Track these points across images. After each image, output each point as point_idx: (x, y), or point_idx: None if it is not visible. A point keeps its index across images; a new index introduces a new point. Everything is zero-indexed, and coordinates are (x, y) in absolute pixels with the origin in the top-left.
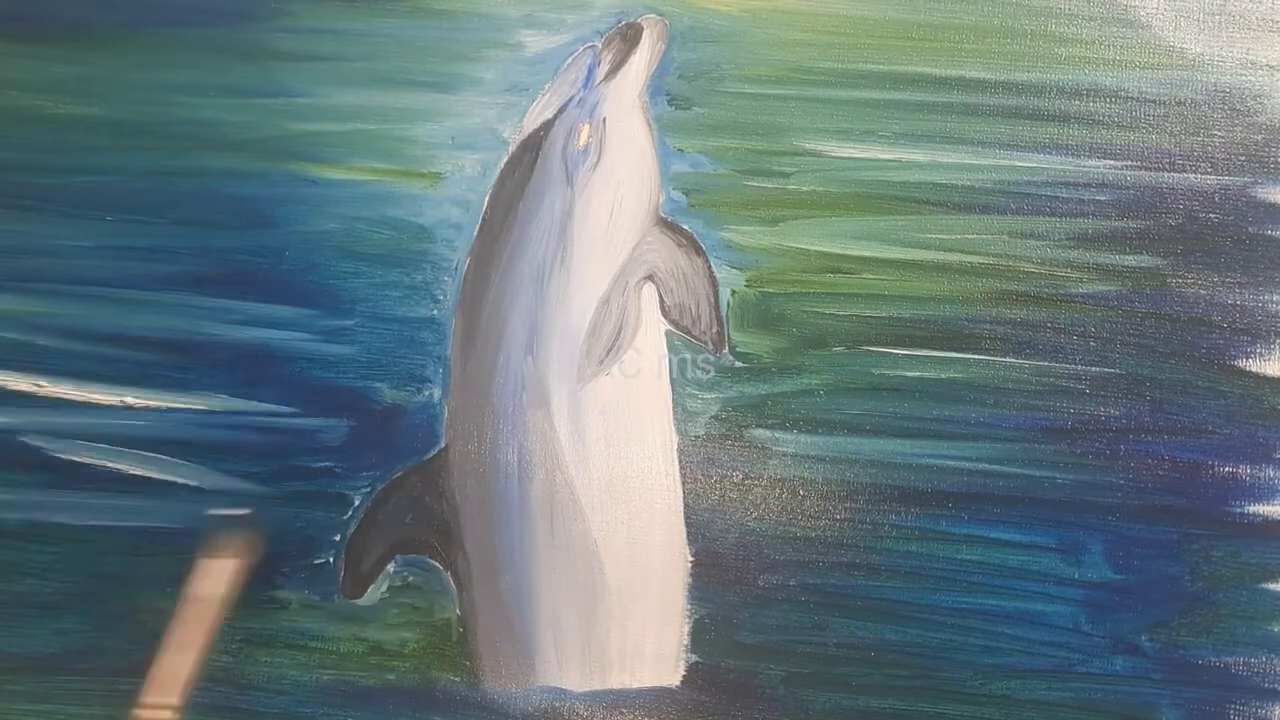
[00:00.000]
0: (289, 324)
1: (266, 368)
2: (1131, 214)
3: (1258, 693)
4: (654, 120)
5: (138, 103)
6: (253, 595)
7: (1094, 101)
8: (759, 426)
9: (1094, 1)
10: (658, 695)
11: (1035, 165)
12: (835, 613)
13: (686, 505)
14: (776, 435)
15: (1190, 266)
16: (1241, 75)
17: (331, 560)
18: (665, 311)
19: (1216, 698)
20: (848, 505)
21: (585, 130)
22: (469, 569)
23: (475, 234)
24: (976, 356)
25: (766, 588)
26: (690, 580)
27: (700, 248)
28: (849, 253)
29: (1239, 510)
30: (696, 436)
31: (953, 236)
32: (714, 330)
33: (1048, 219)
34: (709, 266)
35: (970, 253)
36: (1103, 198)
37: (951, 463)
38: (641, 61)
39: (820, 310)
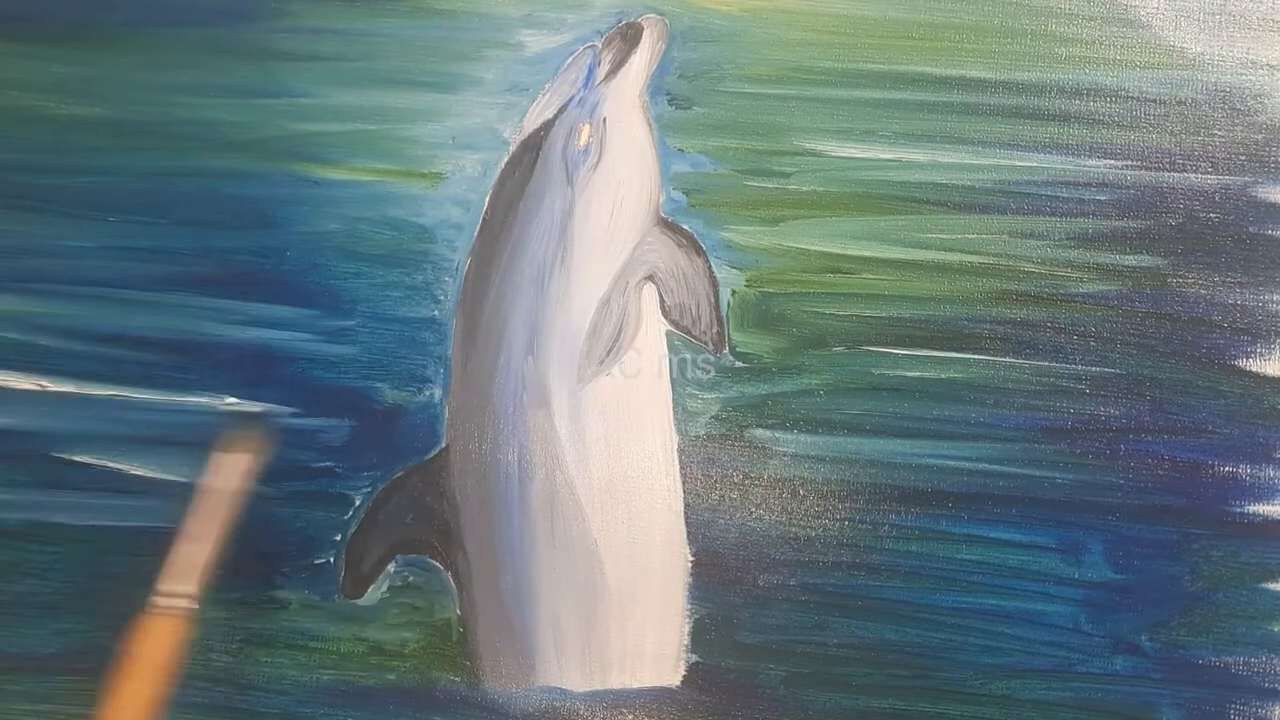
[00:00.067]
0: (290, 324)
1: (268, 368)
2: (1132, 214)
3: (1258, 692)
4: (654, 120)
5: (139, 103)
6: (253, 595)
7: (1094, 101)
8: (759, 426)
9: (1094, 1)
10: (658, 695)
11: (1035, 165)
12: (835, 613)
13: (687, 505)
14: (776, 435)
15: (1190, 266)
16: (1241, 75)
17: (332, 560)
18: (665, 311)
19: (1217, 697)
20: (848, 505)
21: (585, 130)
22: (469, 569)
23: (476, 234)
24: (977, 356)
25: (767, 587)
26: (690, 580)
27: (700, 248)
28: (849, 253)
29: (1239, 510)
30: (697, 436)
31: (953, 236)
32: (714, 330)
33: (1048, 219)
34: (709, 266)
35: (970, 252)
36: (1103, 197)
37: (951, 463)
38: (642, 61)
39: (820, 310)
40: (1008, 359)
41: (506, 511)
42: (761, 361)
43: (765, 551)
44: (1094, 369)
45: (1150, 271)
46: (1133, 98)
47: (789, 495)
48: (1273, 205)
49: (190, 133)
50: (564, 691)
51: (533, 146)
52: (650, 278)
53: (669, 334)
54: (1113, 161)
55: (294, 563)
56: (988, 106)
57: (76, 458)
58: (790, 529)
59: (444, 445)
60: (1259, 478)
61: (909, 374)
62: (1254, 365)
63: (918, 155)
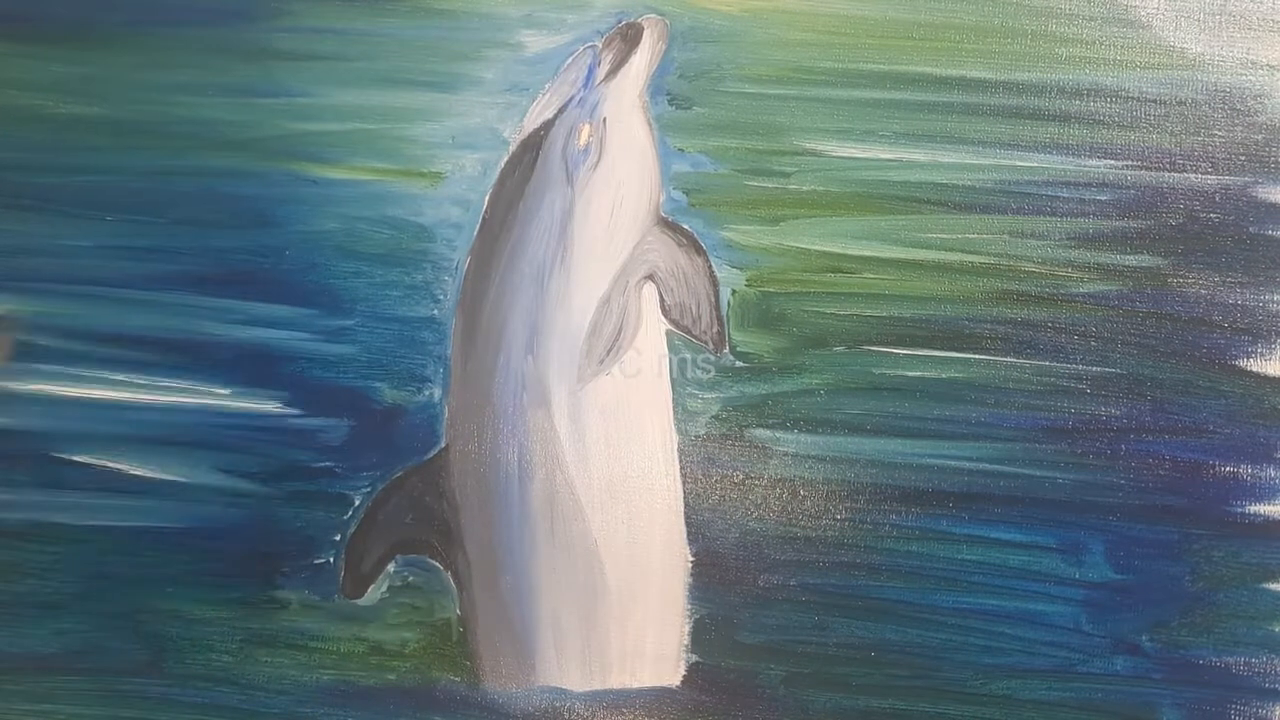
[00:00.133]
0: (289, 324)
1: (267, 368)
2: (1132, 214)
3: (1259, 693)
4: (654, 120)
5: (138, 102)
6: (253, 595)
7: (1095, 101)
8: (759, 426)
9: (1094, 1)
10: (658, 695)
11: (1036, 165)
12: (836, 613)
13: (687, 505)
14: (777, 435)
15: (1191, 266)
16: (1242, 75)
17: (332, 560)
18: (666, 311)
19: (1217, 698)
20: (848, 505)
21: (586, 130)
22: (469, 569)
23: (475, 234)
24: (977, 356)
25: (767, 588)
26: (690, 580)
27: (701, 247)
28: (849, 252)
29: (1240, 510)
30: (697, 436)
31: (953, 236)
32: (714, 330)
33: (1048, 219)
34: (709, 266)
35: (971, 252)
36: (1103, 197)
37: (952, 463)
38: (642, 61)
39: (820, 310)
40: (1008, 359)
41: (506, 511)
42: (762, 361)
43: (765, 551)
44: (1095, 369)
45: (1151, 271)
46: (1133, 98)
47: (789, 495)
48: (1273, 205)
49: (189, 132)
50: (564, 691)
51: (533, 146)
52: (650, 277)
53: (669, 333)
54: (1113, 162)
55: (294, 563)
56: (988, 107)
57: (76, 458)
58: (790, 529)
59: (443, 445)
60: (1260, 478)
61: (909, 374)
62: (1255, 365)
63: (918, 155)
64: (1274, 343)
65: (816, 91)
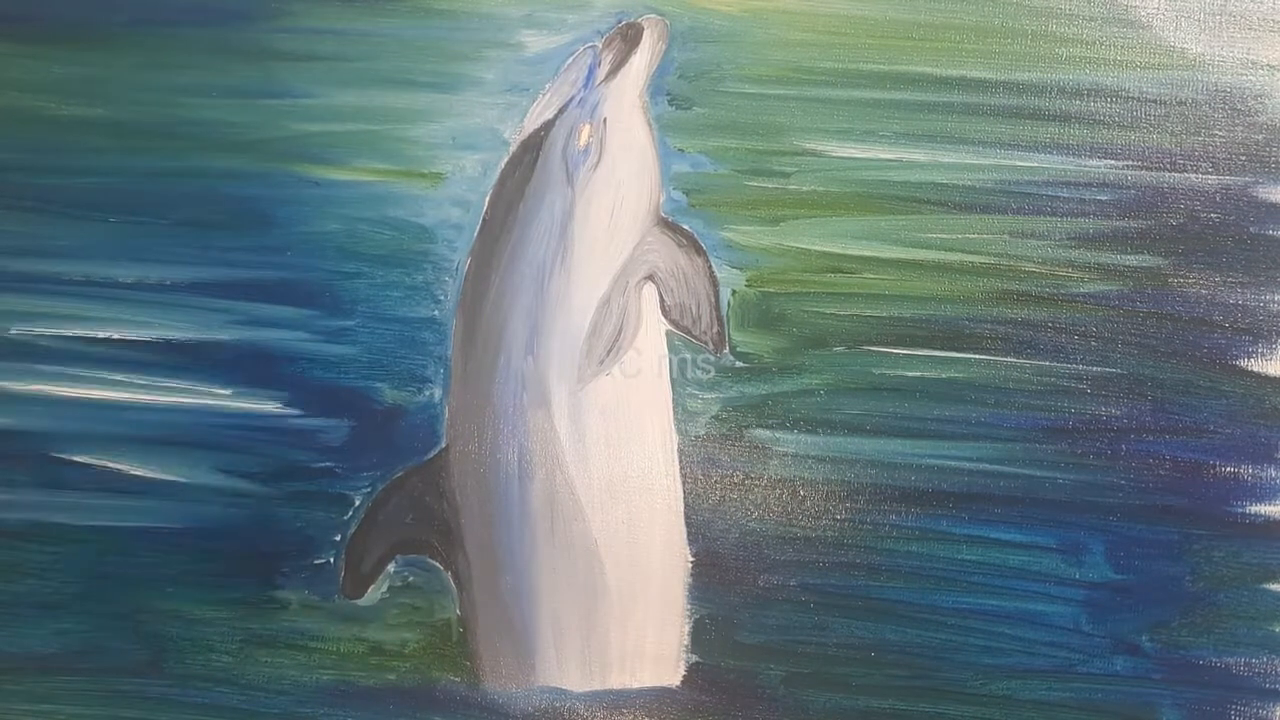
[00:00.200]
0: (290, 324)
1: (267, 368)
2: (1132, 214)
3: (1259, 693)
4: (654, 120)
5: (139, 103)
6: (253, 595)
7: (1095, 101)
8: (759, 426)
9: (1094, 1)
10: (658, 695)
11: (1036, 165)
12: (835, 613)
13: (687, 505)
14: (777, 435)
15: (1191, 266)
16: (1242, 75)
17: (332, 560)
18: (666, 311)
19: (1217, 698)
20: (848, 505)
21: (586, 130)
22: (469, 569)
23: (476, 234)
24: (977, 356)
25: (767, 588)
26: (690, 580)
27: (701, 247)
28: (849, 253)
29: (1240, 510)
30: (697, 436)
31: (953, 236)
32: (714, 330)
33: (1048, 219)
34: (709, 266)
35: (971, 252)
36: (1104, 197)
37: (952, 463)
38: (642, 61)
39: (820, 310)
40: (1008, 359)
41: (506, 511)
42: (762, 361)
43: (765, 552)
44: (1095, 369)
45: (1151, 271)
46: (1133, 98)
47: (789, 495)
48: (1273, 205)
49: (191, 133)
50: (564, 691)
51: (533, 146)
52: (650, 277)
53: (669, 334)
54: (1113, 162)
55: (294, 563)
56: (988, 107)
57: (76, 458)
58: (790, 529)
59: (444, 445)
60: (1260, 478)
61: (909, 374)
62: (1255, 365)
63: (918, 155)
64: (1274, 343)
65: (816, 91)
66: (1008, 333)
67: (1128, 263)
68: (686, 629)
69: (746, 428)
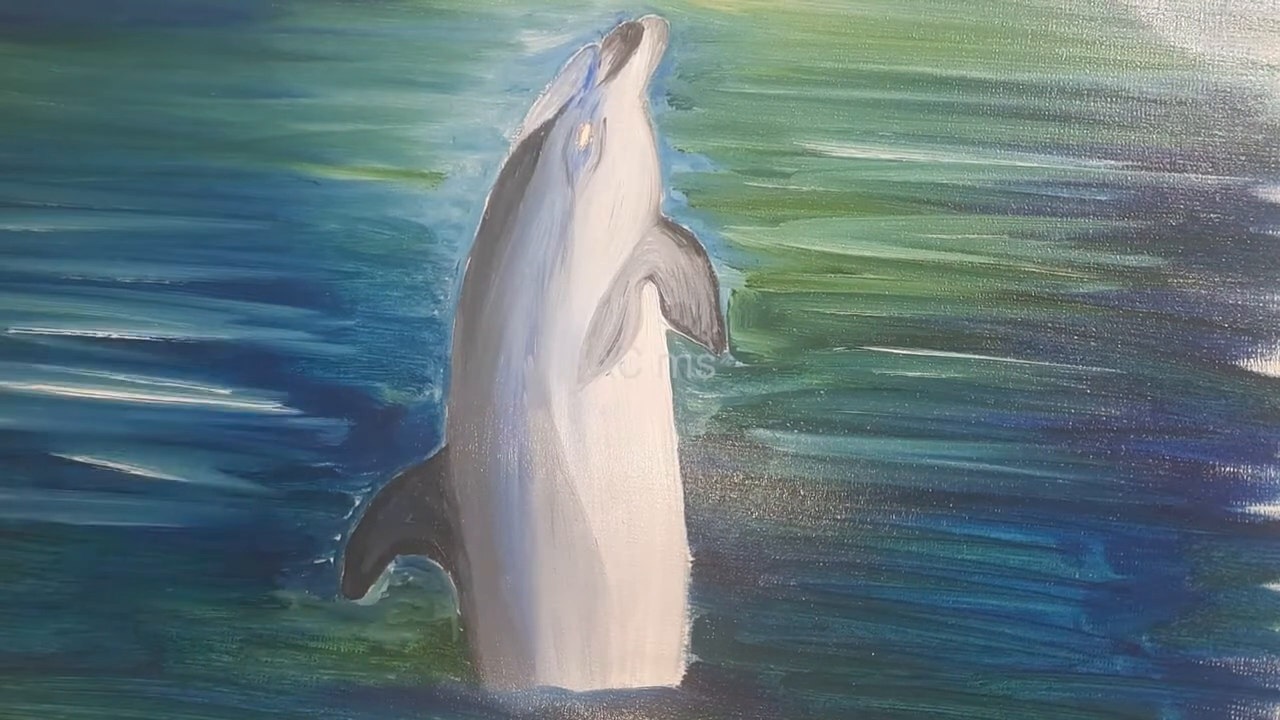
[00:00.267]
0: (290, 324)
1: (267, 368)
2: (1132, 214)
3: (1259, 693)
4: (654, 120)
5: (139, 103)
6: (253, 595)
7: (1095, 101)
8: (759, 426)
9: (1094, 1)
10: (658, 695)
11: (1036, 165)
12: (836, 613)
13: (687, 505)
14: (777, 435)
15: (1191, 266)
16: (1242, 75)
17: (332, 560)
18: (666, 311)
19: (1217, 698)
20: (848, 505)
21: (586, 130)
22: (469, 569)
23: (476, 234)
24: (977, 356)
25: (767, 588)
26: (691, 580)
27: (701, 247)
28: (849, 253)
29: (1240, 510)
30: (697, 436)
31: (953, 236)
32: (714, 330)
33: (1048, 219)
34: (709, 266)
35: (971, 253)
36: (1103, 198)
37: (952, 463)
38: (642, 62)
39: (820, 310)
40: (1008, 359)
41: (506, 511)
42: (762, 361)
43: (765, 552)
44: (1095, 369)
45: (1151, 272)
46: (1133, 98)
47: (789, 495)
48: (1273, 205)
49: (190, 133)
50: (564, 691)
51: (533, 146)
52: (650, 277)
53: (669, 334)
54: (1113, 162)
55: (294, 563)
56: (988, 107)
57: (76, 458)
58: (790, 529)
59: (444, 445)
60: (1260, 478)
61: (909, 374)
62: (1255, 365)
63: (918, 155)
64: (1274, 343)
65: (816, 91)
66: (1008, 333)
67: (1127, 263)
68: (686, 629)
69: (746, 428)
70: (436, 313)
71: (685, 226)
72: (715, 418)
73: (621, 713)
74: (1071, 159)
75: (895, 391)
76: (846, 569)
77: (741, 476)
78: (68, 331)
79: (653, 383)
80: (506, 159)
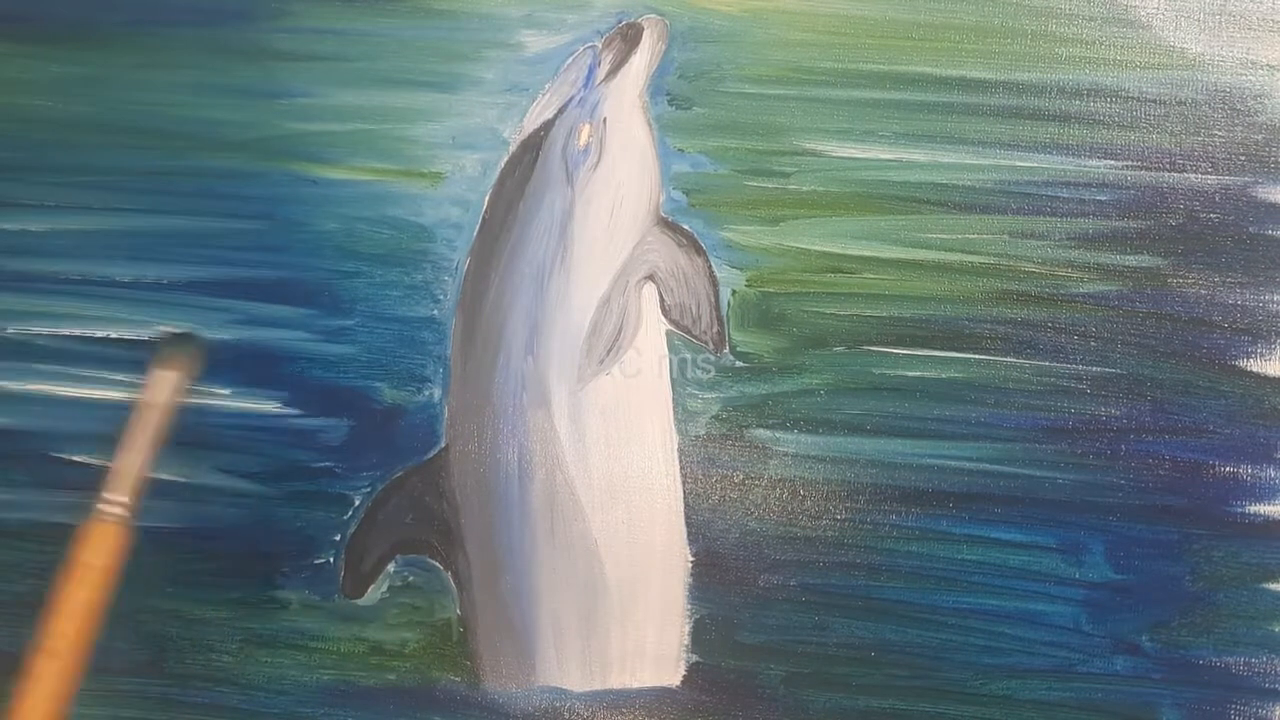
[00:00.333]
0: (289, 324)
1: (267, 368)
2: (1132, 214)
3: (1259, 693)
4: (654, 120)
5: (138, 103)
6: (253, 595)
7: (1094, 101)
8: (759, 426)
9: (1094, 1)
10: (658, 695)
11: (1036, 165)
12: (836, 613)
13: (687, 505)
14: (777, 435)
15: (1191, 266)
16: (1241, 75)
17: (332, 560)
18: (666, 311)
19: (1217, 698)
20: (848, 505)
21: (585, 130)
22: (469, 569)
23: (475, 234)
24: (977, 356)
25: (767, 588)
26: (690, 580)
27: (700, 247)
28: (849, 253)
29: (1240, 510)
30: (697, 436)
31: (953, 236)
32: (714, 330)
33: (1048, 219)
34: (709, 266)
35: (971, 253)
36: (1103, 198)
37: (952, 463)
38: (642, 61)
39: (820, 310)
40: (1008, 359)
41: (506, 511)
42: (762, 361)
43: (765, 551)
44: (1094, 369)
45: (1150, 272)
46: (1133, 98)
47: (789, 495)
48: (1273, 205)
49: (189, 132)
50: (564, 691)
51: (533, 146)
52: (650, 277)
53: (669, 334)
54: (1113, 162)
55: (294, 563)
56: (988, 107)
57: (76, 458)
58: (790, 529)
59: (443, 445)
60: (1260, 478)
61: (909, 374)
62: (1254, 365)
63: (918, 155)
64: (1274, 343)
65: (816, 91)
66: (1008, 333)
67: (1127, 263)
68: (686, 629)
69: (746, 428)
70: (436, 312)
71: (685, 226)
72: (715, 418)
73: (621, 713)
74: (1071, 159)
75: (895, 391)
76: (846, 569)
77: (741, 476)
78: (67, 331)
79: (653, 383)
80: (506, 158)
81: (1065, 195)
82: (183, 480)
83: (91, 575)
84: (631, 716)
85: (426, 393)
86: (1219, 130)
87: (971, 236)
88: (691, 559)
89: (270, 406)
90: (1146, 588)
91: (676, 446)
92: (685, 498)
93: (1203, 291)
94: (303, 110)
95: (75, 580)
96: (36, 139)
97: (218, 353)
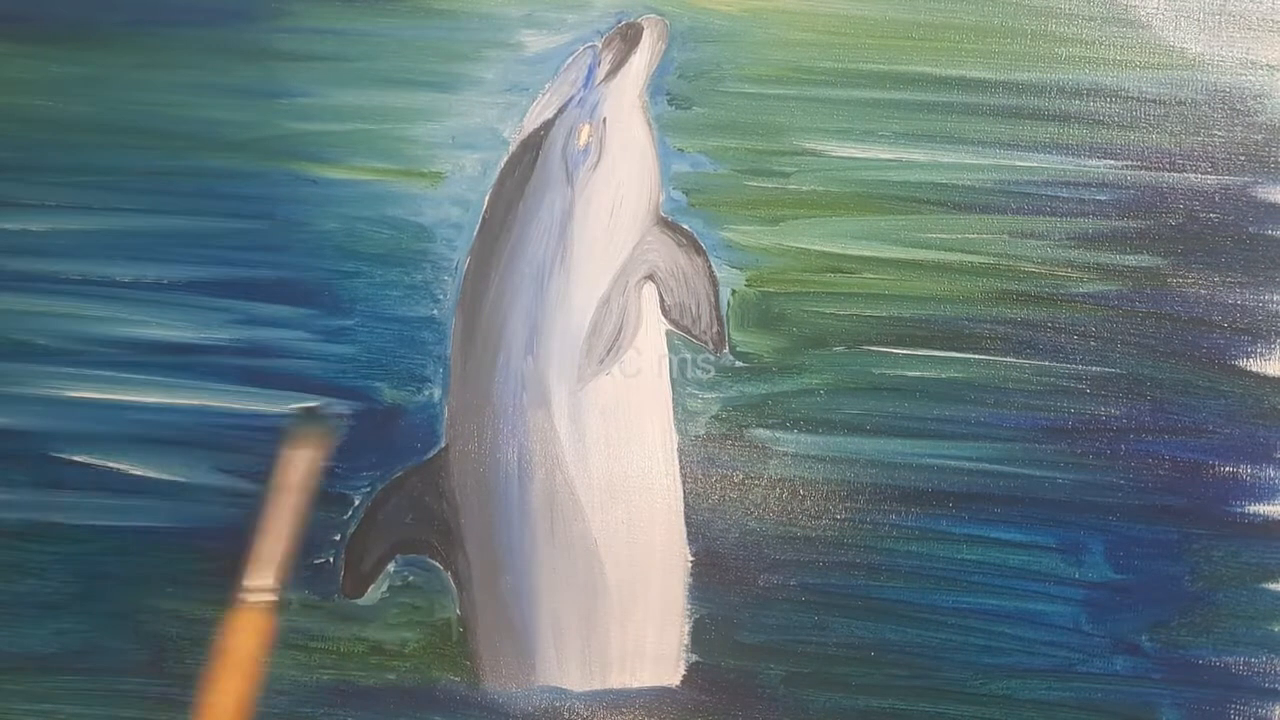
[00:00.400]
0: (289, 324)
1: (267, 368)
2: (1132, 214)
3: (1258, 693)
4: (654, 120)
5: (138, 103)
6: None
7: (1094, 101)
8: (759, 426)
9: (1094, 1)
10: (658, 695)
11: (1035, 165)
12: (835, 613)
13: (687, 505)
14: (777, 435)
15: (1191, 266)
16: (1241, 75)
17: (332, 560)
18: (665, 311)
19: (1217, 698)
20: (848, 505)
21: (585, 130)
22: (469, 569)
23: (475, 233)
24: (977, 356)
25: (767, 587)
26: (690, 580)
27: (700, 247)
28: (849, 252)
29: (1239, 510)
30: (697, 436)
31: (953, 236)
32: (714, 330)
33: (1048, 219)
34: (709, 266)
35: (970, 252)
36: (1103, 197)
37: (951, 463)
38: (642, 61)
39: (820, 310)
40: (1008, 359)
41: (506, 511)
42: (761, 361)
43: (765, 551)
44: (1094, 369)
45: (1150, 271)
46: (1133, 98)
47: (789, 495)
48: (1273, 205)
49: (189, 132)
50: (564, 691)
51: (532, 146)
52: (650, 277)
53: (669, 333)
54: (1113, 161)
55: (294, 563)
56: (988, 106)
57: (76, 458)
58: (790, 529)
59: (443, 445)
60: (1259, 478)
61: (909, 374)
62: (1254, 365)
63: (918, 155)
64: (1274, 343)
65: (816, 91)
66: (1008, 333)
67: (1127, 263)
68: (686, 629)
69: (746, 428)
70: (436, 312)
71: (685, 226)
72: (715, 418)
73: (621, 713)
74: (1071, 159)
75: (895, 391)
76: (846, 569)
77: (741, 476)
78: (68, 331)
79: (653, 383)
80: (506, 158)
81: (1065, 195)
82: (183, 480)
83: (243, 663)
84: (631, 716)
85: (426, 393)
86: (1219, 130)
87: (971, 236)
88: (691, 559)
89: (270, 406)
90: (1146, 588)
91: (676, 446)
92: (685, 498)
93: (1203, 291)
94: (303, 110)
95: (227, 668)
96: (36, 139)
97: (218, 353)
